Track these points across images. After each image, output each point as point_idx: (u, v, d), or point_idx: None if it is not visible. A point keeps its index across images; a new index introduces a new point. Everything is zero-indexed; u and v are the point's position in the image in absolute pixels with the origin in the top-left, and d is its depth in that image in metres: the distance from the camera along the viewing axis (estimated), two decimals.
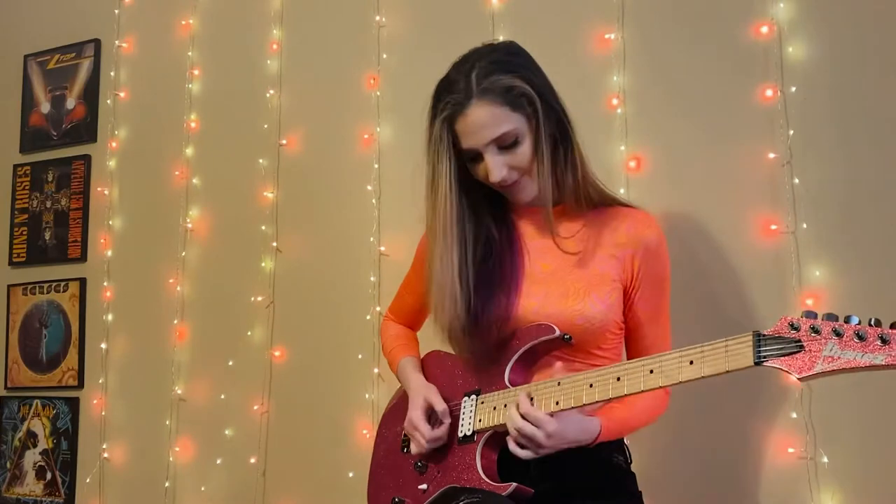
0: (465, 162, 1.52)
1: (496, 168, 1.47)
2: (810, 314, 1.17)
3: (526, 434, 1.35)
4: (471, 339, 1.50)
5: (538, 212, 1.57)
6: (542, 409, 1.37)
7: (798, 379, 1.15)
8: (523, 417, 1.36)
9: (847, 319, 1.14)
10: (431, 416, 1.53)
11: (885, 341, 1.11)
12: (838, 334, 1.14)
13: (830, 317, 1.15)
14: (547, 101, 1.48)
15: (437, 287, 1.51)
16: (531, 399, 1.39)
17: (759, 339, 1.19)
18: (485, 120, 1.45)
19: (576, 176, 1.52)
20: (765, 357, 1.18)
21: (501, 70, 1.46)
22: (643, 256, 1.52)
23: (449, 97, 1.48)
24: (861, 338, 1.12)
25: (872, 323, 1.13)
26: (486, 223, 1.56)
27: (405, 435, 1.60)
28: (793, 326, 1.17)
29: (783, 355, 1.16)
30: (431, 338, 1.69)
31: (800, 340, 1.16)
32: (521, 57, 1.53)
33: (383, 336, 1.82)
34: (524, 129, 1.47)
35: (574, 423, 1.40)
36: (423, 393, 1.56)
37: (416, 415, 1.53)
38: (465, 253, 1.52)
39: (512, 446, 1.38)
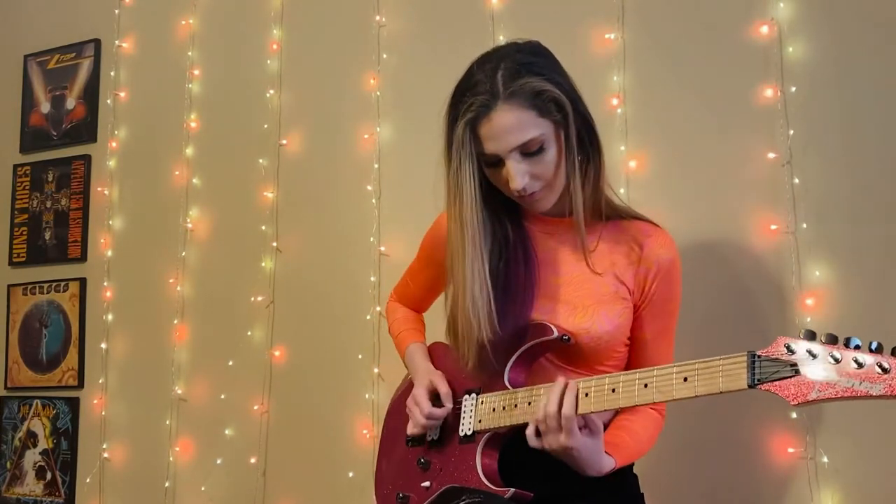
0: (485, 166, 1.44)
1: (518, 175, 1.38)
2: (809, 334, 1.13)
3: (551, 429, 1.32)
4: (487, 352, 1.44)
5: (553, 221, 1.53)
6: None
7: (792, 405, 1.12)
8: (560, 415, 1.31)
9: (847, 342, 1.10)
10: (435, 401, 1.52)
11: (884, 370, 1.06)
12: (836, 360, 1.09)
13: (830, 338, 1.11)
14: (576, 108, 1.41)
15: (465, 304, 1.43)
16: (577, 399, 1.33)
17: (753, 361, 1.16)
18: (511, 125, 1.36)
19: (597, 188, 1.46)
20: (759, 380, 1.14)
21: (530, 72, 1.37)
22: (655, 276, 1.48)
23: (473, 98, 1.38)
24: (860, 365, 1.07)
25: (873, 348, 1.08)
26: (503, 230, 1.50)
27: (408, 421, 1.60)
28: (789, 349, 1.13)
29: (778, 380, 1.13)
30: (436, 332, 1.69)
31: (796, 364, 1.12)
32: (547, 59, 1.45)
33: (390, 317, 1.79)
34: (550, 135, 1.39)
35: (593, 453, 1.36)
36: (429, 376, 1.55)
37: (418, 392, 1.52)
38: (489, 262, 1.45)
39: (530, 430, 1.35)
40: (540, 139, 1.38)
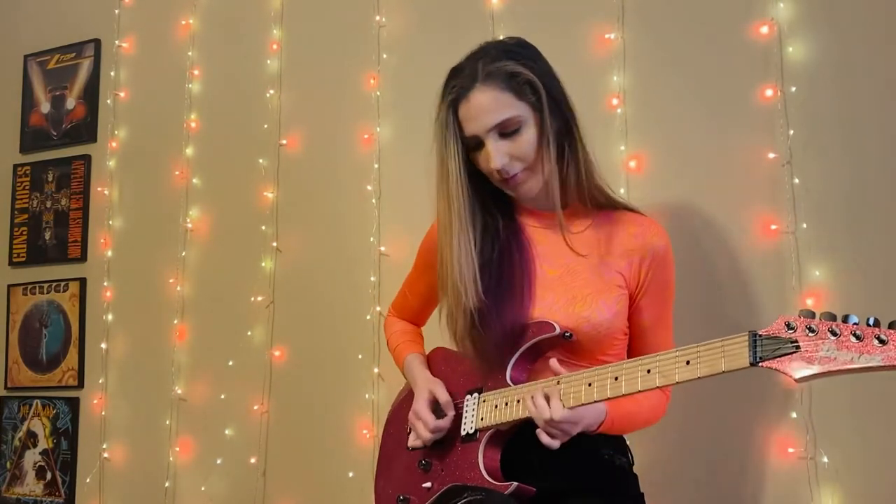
0: (470, 152, 1.50)
1: (497, 155, 1.45)
2: (808, 313, 1.15)
3: (559, 429, 1.36)
4: (482, 330, 1.47)
5: (543, 214, 1.56)
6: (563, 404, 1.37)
7: (795, 380, 1.14)
8: (556, 420, 1.34)
9: (845, 319, 1.12)
10: (436, 410, 1.54)
11: (882, 342, 1.08)
12: (835, 334, 1.12)
13: (828, 316, 1.14)
14: (551, 94, 1.47)
15: (455, 270, 1.48)
16: (560, 396, 1.37)
17: (755, 340, 1.18)
18: (487, 104, 1.44)
19: (579, 175, 1.50)
20: (761, 358, 1.16)
21: (508, 57, 1.46)
22: (650, 263, 1.51)
23: (455, 81, 1.49)
24: (858, 338, 1.10)
25: (871, 323, 1.11)
26: (494, 222, 1.55)
27: (410, 431, 1.60)
28: (789, 326, 1.15)
29: (779, 356, 1.15)
30: (436, 335, 1.69)
31: (796, 341, 1.14)
32: (529, 50, 1.52)
33: (387, 332, 1.81)
34: (528, 117, 1.45)
35: (593, 415, 1.41)
36: (428, 386, 1.56)
37: (420, 405, 1.54)
38: (476, 239, 1.51)
39: (545, 439, 1.37)
40: (517, 119, 1.44)
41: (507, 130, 1.45)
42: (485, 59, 1.47)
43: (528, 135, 1.45)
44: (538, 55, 1.53)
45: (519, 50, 1.50)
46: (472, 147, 1.49)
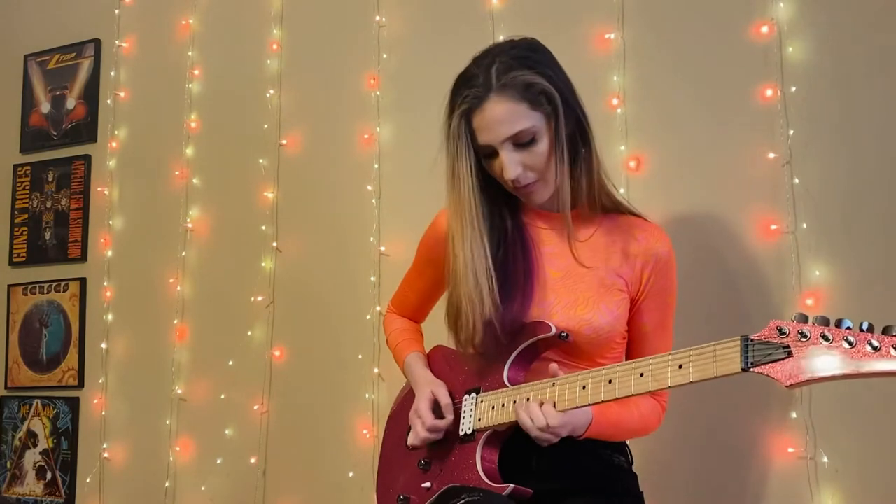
0: (482, 157, 1.49)
1: (511, 165, 1.43)
2: (801, 318, 1.14)
3: (551, 433, 1.38)
4: (489, 336, 1.48)
5: (550, 216, 1.55)
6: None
7: (785, 386, 1.12)
8: (549, 426, 1.36)
9: (838, 323, 1.11)
10: (437, 410, 1.53)
11: (875, 348, 1.07)
12: (827, 339, 1.10)
13: (821, 320, 1.12)
14: (567, 101, 1.45)
15: (468, 281, 1.47)
16: (554, 404, 1.38)
17: (746, 345, 1.17)
18: (502, 116, 1.41)
19: (591, 180, 1.50)
20: (752, 363, 1.15)
21: (522, 66, 1.43)
22: (653, 269, 1.51)
23: (467, 91, 1.44)
24: (850, 344, 1.08)
25: (864, 328, 1.09)
26: (502, 222, 1.54)
27: (410, 430, 1.60)
28: (781, 331, 1.14)
29: (770, 362, 1.14)
30: (436, 334, 1.69)
31: (788, 346, 1.13)
32: (542, 54, 1.49)
33: (387, 329, 1.80)
34: (542, 127, 1.43)
35: (580, 419, 1.42)
36: (430, 387, 1.56)
37: (421, 405, 1.53)
38: (489, 247, 1.50)
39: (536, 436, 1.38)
40: (531, 130, 1.43)
41: (521, 141, 1.43)
42: (498, 67, 1.43)
43: (543, 145, 1.44)
44: (552, 60, 1.50)
45: (533, 56, 1.46)
46: (485, 154, 1.48)
